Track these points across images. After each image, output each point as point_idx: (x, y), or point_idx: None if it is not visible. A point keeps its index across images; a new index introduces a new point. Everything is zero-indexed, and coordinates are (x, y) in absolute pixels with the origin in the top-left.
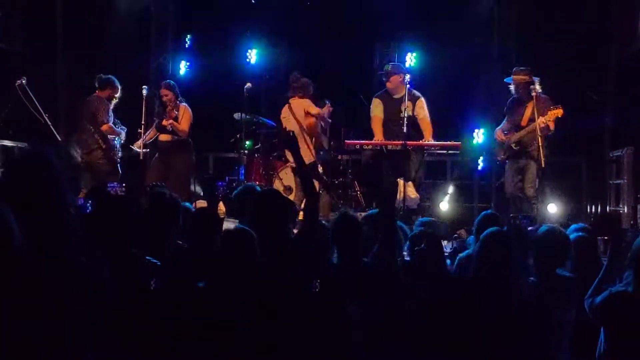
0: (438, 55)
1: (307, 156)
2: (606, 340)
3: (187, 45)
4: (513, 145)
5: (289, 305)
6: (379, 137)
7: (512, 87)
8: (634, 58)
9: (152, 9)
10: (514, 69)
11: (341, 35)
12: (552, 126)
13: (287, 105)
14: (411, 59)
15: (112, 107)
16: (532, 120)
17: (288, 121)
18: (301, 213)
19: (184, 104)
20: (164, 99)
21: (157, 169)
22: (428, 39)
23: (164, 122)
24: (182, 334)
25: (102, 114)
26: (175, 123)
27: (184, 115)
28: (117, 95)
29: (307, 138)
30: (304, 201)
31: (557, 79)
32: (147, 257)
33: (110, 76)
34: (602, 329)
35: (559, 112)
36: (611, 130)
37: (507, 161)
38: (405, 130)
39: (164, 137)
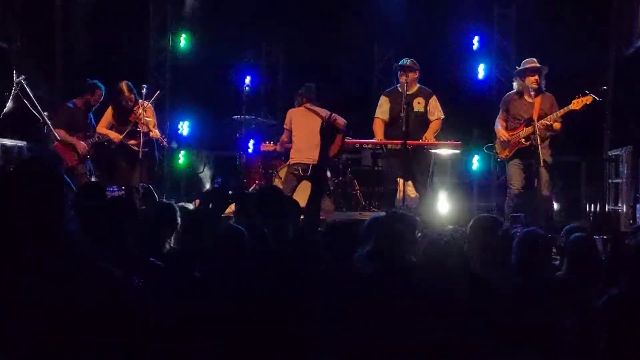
0: (437, 54)
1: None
2: (607, 342)
3: (186, 44)
4: (523, 140)
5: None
6: (379, 137)
7: (537, 80)
8: (632, 57)
9: (151, 7)
10: (529, 59)
11: (341, 36)
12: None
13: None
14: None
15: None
16: (542, 116)
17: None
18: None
19: (147, 102)
20: (129, 103)
21: (129, 171)
22: (427, 39)
23: (160, 138)
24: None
25: (55, 120)
26: (157, 133)
27: (154, 117)
28: (96, 99)
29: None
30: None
31: (556, 78)
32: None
33: (93, 82)
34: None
35: (588, 99)
36: (610, 130)
37: (511, 159)
38: (404, 129)
39: (132, 141)
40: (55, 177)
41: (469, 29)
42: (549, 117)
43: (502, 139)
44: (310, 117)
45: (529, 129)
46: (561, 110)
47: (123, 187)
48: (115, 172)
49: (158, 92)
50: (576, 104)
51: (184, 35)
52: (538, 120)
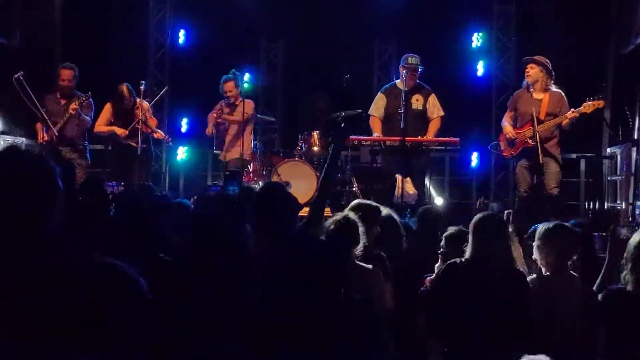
0: (437, 52)
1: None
2: (605, 337)
3: (185, 41)
4: (530, 140)
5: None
6: (377, 134)
7: (534, 72)
8: (632, 54)
9: (151, 4)
10: (535, 56)
11: (340, 32)
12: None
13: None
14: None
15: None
16: (550, 114)
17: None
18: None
19: (145, 101)
20: (129, 104)
21: (128, 168)
22: (426, 36)
23: (165, 137)
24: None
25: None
26: (161, 133)
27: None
28: (64, 80)
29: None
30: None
31: (555, 76)
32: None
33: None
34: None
35: (600, 103)
36: (609, 127)
37: (517, 158)
38: (402, 126)
39: (134, 141)
40: (39, 178)
41: (469, 26)
42: (550, 121)
43: (507, 137)
44: None
45: (539, 128)
46: (569, 113)
47: (122, 183)
48: (114, 168)
49: (166, 88)
50: (587, 107)
51: (182, 32)
52: (545, 119)
